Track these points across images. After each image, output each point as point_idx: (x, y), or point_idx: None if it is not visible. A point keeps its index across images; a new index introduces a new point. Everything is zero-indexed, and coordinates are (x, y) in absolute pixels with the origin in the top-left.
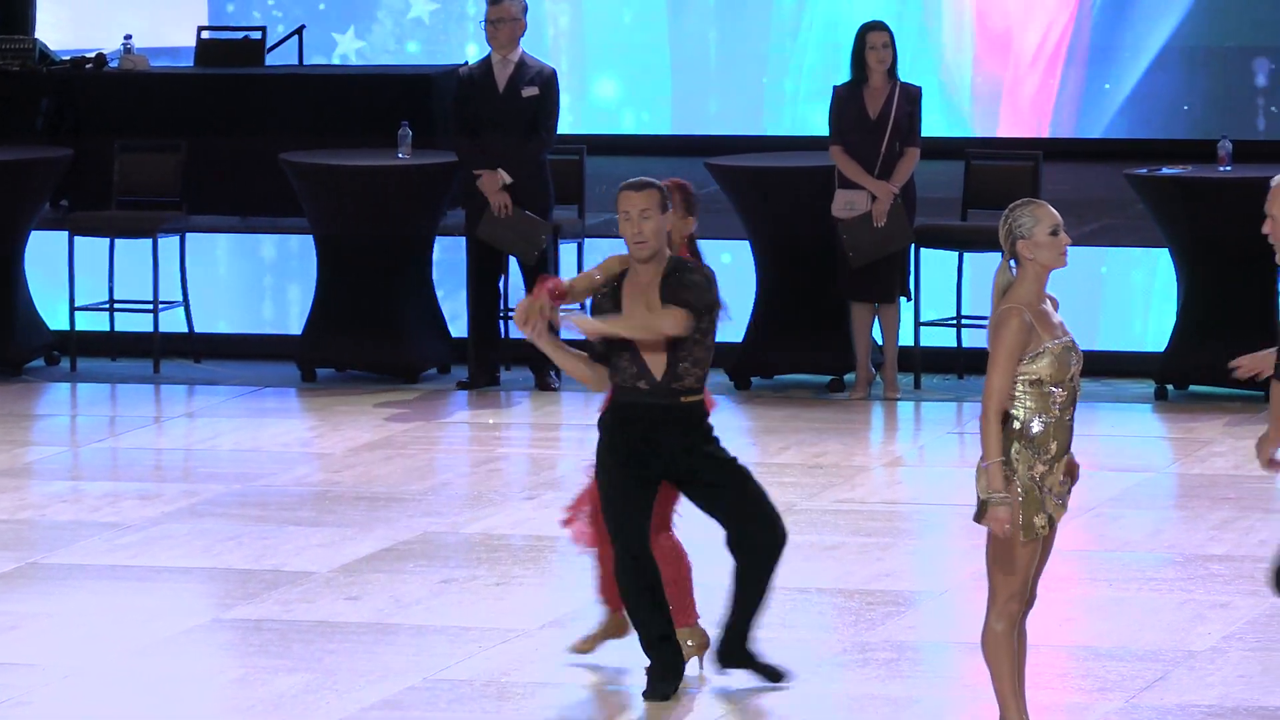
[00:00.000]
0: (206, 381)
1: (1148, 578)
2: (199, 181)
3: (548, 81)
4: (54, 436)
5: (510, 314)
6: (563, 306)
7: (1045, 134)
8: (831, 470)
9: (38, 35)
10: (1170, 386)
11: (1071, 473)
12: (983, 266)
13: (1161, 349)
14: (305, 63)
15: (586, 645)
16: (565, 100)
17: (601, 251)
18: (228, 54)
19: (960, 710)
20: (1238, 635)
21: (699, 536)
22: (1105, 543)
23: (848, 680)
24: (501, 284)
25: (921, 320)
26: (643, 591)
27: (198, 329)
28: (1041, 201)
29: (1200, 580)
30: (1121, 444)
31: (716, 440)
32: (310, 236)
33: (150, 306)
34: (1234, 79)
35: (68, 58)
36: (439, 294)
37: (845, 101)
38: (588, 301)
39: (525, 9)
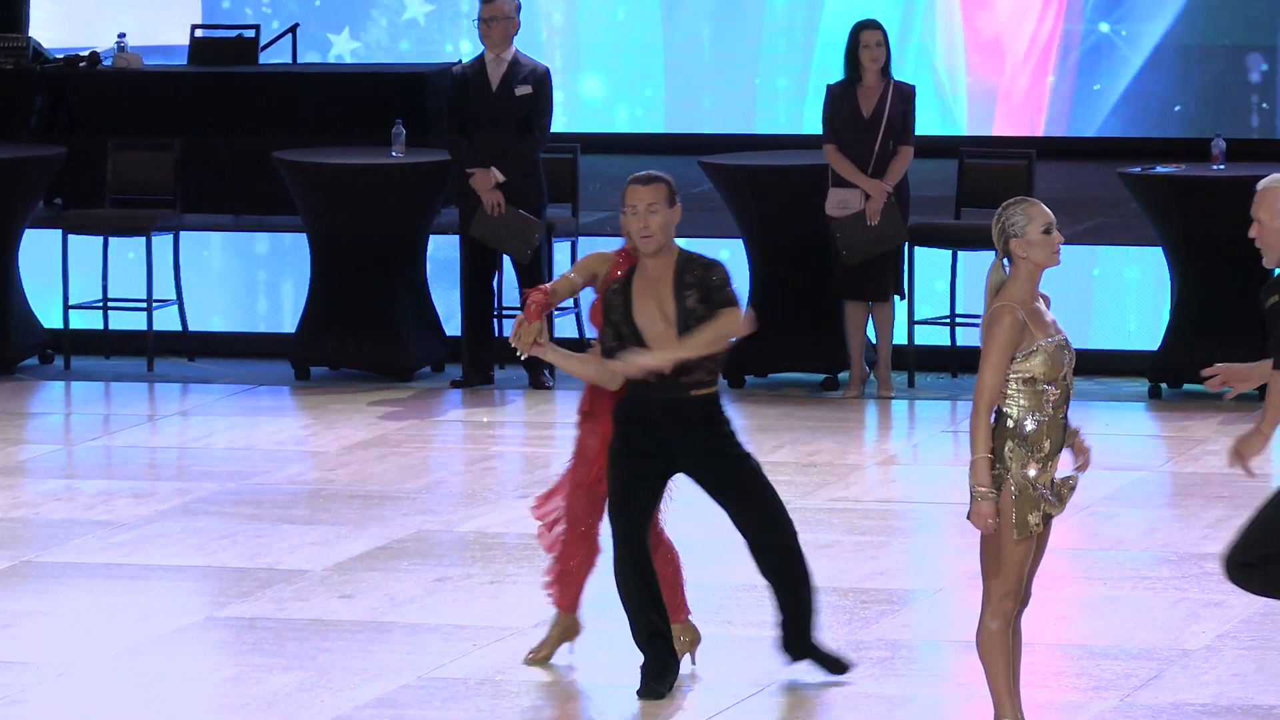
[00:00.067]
0: (200, 380)
1: (1142, 576)
2: (193, 180)
3: (541, 80)
4: (48, 435)
5: (504, 313)
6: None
7: (1039, 132)
8: (825, 469)
9: (31, 33)
10: (1164, 385)
11: (1084, 453)
12: (976, 265)
13: (1155, 347)
14: (299, 61)
15: (542, 652)
16: (559, 98)
17: (596, 250)
18: (221, 52)
19: (955, 709)
20: (1232, 634)
21: (699, 536)
22: (1100, 541)
23: (842, 678)
24: (495, 282)
25: (915, 319)
26: (639, 589)
27: (192, 327)
28: (1035, 200)
29: (1195, 579)
30: (1115, 443)
31: (730, 435)
32: (304, 235)
33: (144, 305)
34: (1227, 77)
35: (61, 56)
36: (433, 292)
37: (839, 100)
38: (588, 302)
39: (519, 7)
